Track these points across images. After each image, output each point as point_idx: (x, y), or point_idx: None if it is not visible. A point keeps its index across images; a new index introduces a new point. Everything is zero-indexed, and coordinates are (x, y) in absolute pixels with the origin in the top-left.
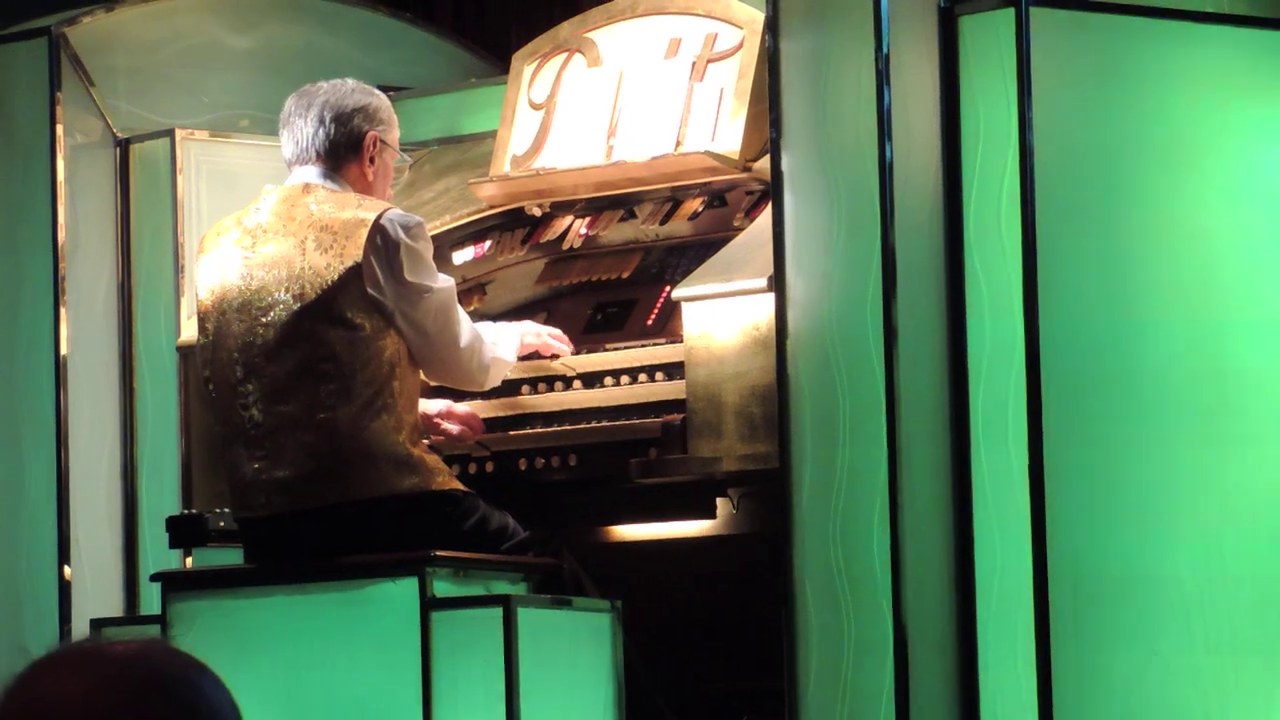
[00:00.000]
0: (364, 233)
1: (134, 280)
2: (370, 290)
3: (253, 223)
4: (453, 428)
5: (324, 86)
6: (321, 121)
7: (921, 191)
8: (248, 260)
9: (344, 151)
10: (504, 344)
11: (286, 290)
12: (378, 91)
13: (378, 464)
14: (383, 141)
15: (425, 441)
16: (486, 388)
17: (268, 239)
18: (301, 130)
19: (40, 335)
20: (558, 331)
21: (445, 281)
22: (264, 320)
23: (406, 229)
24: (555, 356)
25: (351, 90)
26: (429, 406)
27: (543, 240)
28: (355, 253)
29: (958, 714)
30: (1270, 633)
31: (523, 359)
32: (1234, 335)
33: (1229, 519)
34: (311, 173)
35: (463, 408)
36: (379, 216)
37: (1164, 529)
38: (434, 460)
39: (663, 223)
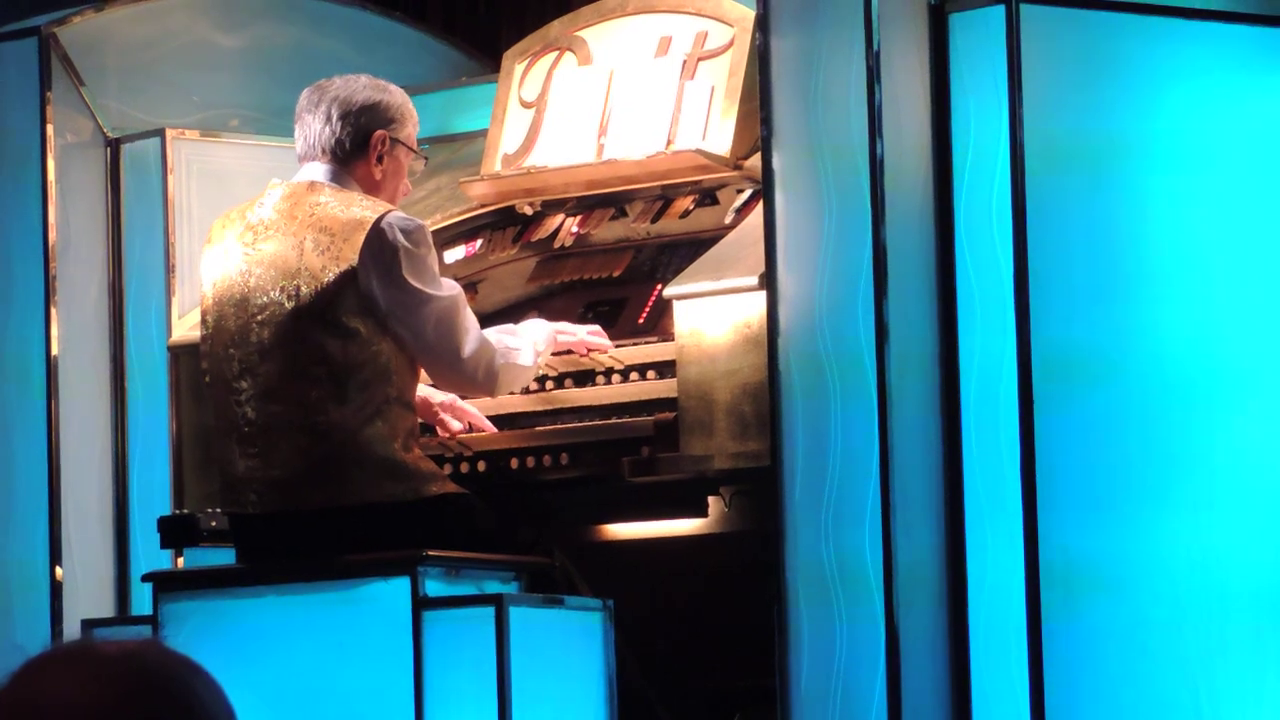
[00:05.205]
0: (361, 235)
1: (125, 280)
2: (365, 294)
3: (255, 218)
4: (454, 422)
5: (337, 82)
6: (329, 119)
7: (912, 189)
8: (248, 256)
9: (351, 150)
10: (525, 350)
11: (282, 290)
12: (393, 88)
13: (369, 470)
14: (393, 139)
15: (427, 437)
16: (496, 395)
17: (268, 236)
18: (311, 126)
19: (31, 335)
20: (595, 329)
21: (450, 290)
22: (259, 319)
23: (406, 233)
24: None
25: (362, 87)
26: (433, 395)
27: (534, 239)
28: (351, 255)
29: (950, 710)
30: (1261, 628)
31: None
32: (1226, 332)
33: (1220, 514)
34: (318, 170)
35: (468, 406)
36: (379, 219)
37: (1155, 525)
38: (428, 466)
39: (654, 221)
